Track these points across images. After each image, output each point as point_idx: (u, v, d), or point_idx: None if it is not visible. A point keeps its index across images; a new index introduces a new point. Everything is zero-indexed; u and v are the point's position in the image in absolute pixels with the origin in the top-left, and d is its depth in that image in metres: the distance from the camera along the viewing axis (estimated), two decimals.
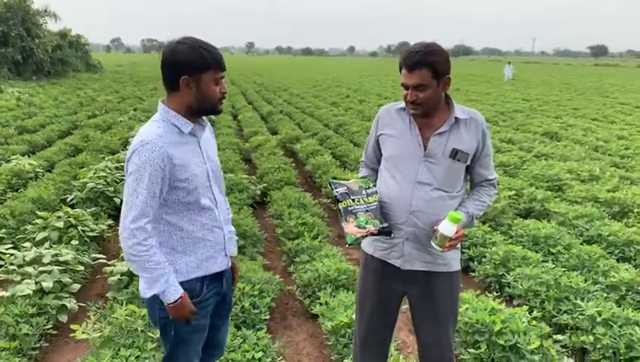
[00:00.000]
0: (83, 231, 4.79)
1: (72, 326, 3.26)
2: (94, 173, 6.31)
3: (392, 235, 2.29)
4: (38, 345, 3.38)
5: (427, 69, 2.11)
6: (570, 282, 3.86)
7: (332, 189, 2.35)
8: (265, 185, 7.06)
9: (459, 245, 2.40)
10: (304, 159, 8.75)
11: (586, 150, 9.76)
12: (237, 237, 2.43)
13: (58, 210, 5.15)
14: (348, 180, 2.42)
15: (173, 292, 1.97)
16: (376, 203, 2.31)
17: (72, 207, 5.81)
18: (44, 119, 12.58)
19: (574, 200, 6.37)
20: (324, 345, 3.56)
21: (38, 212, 5.17)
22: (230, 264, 2.29)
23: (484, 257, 4.61)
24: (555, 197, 6.47)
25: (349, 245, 2.24)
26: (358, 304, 2.62)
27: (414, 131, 2.28)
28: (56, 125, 11.77)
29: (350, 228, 2.21)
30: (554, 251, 4.67)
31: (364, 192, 2.33)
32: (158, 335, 2.82)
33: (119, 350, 3.03)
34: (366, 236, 2.22)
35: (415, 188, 2.26)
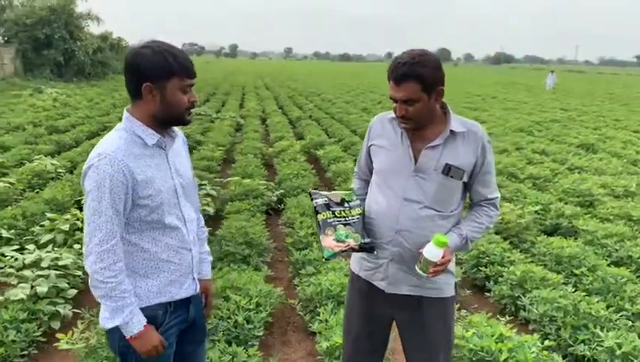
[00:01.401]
0: None
1: (57, 335, 3.16)
2: None
3: (376, 252, 2.11)
4: (25, 353, 3.30)
5: (415, 81, 1.92)
6: (590, 308, 3.56)
7: (311, 200, 2.17)
8: (282, 191, 6.92)
9: (453, 269, 2.20)
10: (326, 165, 8.58)
11: (624, 164, 9.26)
12: (211, 258, 2.23)
13: (69, 212, 5.12)
14: (330, 192, 2.24)
15: (137, 324, 1.80)
16: (358, 216, 2.14)
17: None
18: (75, 120, 12.81)
19: (605, 217, 5.98)
20: None
21: (48, 213, 5.15)
22: (200, 288, 2.08)
23: (501, 277, 4.33)
24: (585, 214, 6.11)
25: (326, 260, 2.07)
26: (344, 326, 2.45)
27: (405, 143, 2.09)
28: (86, 126, 11.95)
29: (328, 241, 2.04)
30: (577, 272, 4.35)
31: (346, 205, 2.16)
32: None
33: None
34: (345, 251, 2.05)
35: (402, 205, 2.07)
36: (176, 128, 1.96)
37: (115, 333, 1.85)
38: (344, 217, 2.12)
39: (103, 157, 1.72)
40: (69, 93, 20.00)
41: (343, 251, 2.04)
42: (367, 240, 2.09)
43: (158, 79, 1.75)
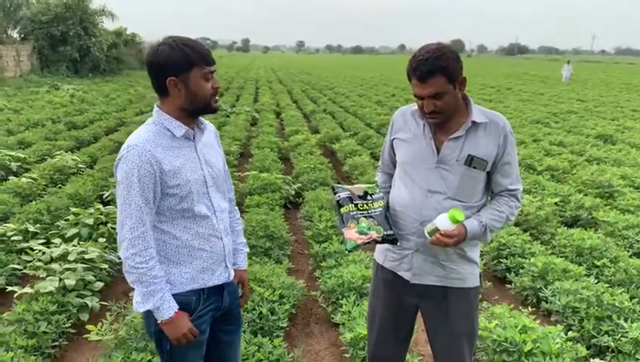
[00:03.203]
0: (112, 228, 4.81)
1: (87, 327, 3.24)
2: None
3: (399, 243, 2.14)
4: (56, 344, 3.38)
5: (440, 75, 1.94)
6: (614, 299, 3.56)
7: (334, 194, 2.21)
8: (299, 185, 6.96)
9: (477, 259, 2.22)
10: (342, 159, 8.61)
11: None
12: (247, 249, 2.31)
13: (92, 207, 5.21)
14: (352, 185, 2.28)
15: (167, 309, 1.87)
16: (381, 208, 2.17)
17: (108, 203, 5.89)
18: (93, 116, 12.94)
19: (626, 208, 5.94)
20: (344, 356, 3.42)
21: (72, 208, 5.24)
22: (235, 277, 2.16)
23: (522, 268, 4.34)
24: (605, 205, 6.07)
25: (349, 252, 2.11)
26: (368, 316, 2.48)
27: (428, 135, 2.11)
28: (103, 122, 12.09)
29: (351, 233, 2.08)
30: (599, 264, 4.34)
31: (369, 198, 2.20)
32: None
33: (131, 353, 2.98)
34: (368, 243, 2.09)
35: (426, 196, 2.10)
36: (205, 121, 2.04)
37: (150, 318, 1.94)
38: (366, 210, 2.16)
39: (131, 148, 1.80)
40: (85, 89, 20.21)
41: (365, 243, 2.08)
42: (389, 231, 2.12)
43: (180, 72, 1.82)
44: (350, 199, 2.17)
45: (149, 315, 1.94)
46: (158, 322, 1.90)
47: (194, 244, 1.95)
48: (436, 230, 2.00)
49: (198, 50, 1.83)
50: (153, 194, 1.83)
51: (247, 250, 2.31)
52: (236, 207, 2.26)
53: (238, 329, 2.29)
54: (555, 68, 45.07)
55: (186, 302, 1.95)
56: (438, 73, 1.94)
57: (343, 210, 2.14)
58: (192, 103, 1.87)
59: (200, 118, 1.99)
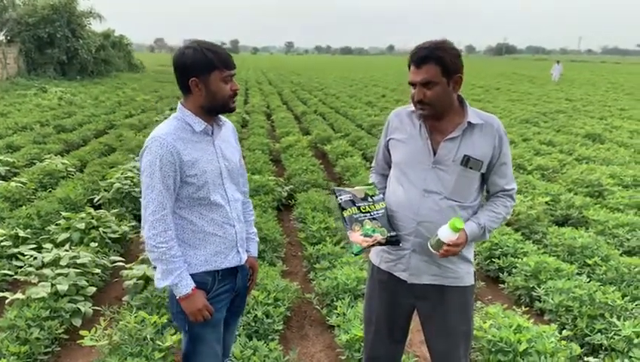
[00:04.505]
0: (104, 232, 4.78)
1: (81, 332, 3.21)
2: (121, 174, 6.33)
3: (401, 244, 2.15)
4: (49, 350, 3.35)
5: (436, 64, 1.98)
6: (606, 298, 3.59)
7: (335, 197, 2.22)
8: (291, 187, 6.95)
9: (471, 258, 2.24)
10: (334, 160, 8.61)
11: (631, 153, 9.27)
12: (257, 239, 2.46)
13: (83, 211, 5.17)
14: (353, 188, 2.28)
15: (185, 286, 2.06)
16: (383, 210, 2.18)
17: (99, 207, 5.86)
18: (82, 118, 12.82)
19: (615, 207, 6.01)
20: (340, 358, 3.41)
21: (63, 212, 5.19)
22: (248, 262, 2.33)
23: (515, 268, 4.37)
24: (595, 204, 6.13)
25: (355, 255, 2.13)
26: (364, 317, 2.49)
27: (424, 136, 2.13)
28: (93, 124, 11.99)
29: (356, 236, 2.10)
30: (590, 263, 4.38)
31: (370, 200, 2.21)
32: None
33: (126, 359, 2.96)
34: (373, 245, 2.10)
35: (423, 196, 2.11)
36: (223, 118, 2.22)
37: (173, 299, 2.15)
38: (369, 212, 2.16)
39: (154, 140, 2.00)
40: (73, 91, 20.05)
41: (370, 246, 2.09)
42: (392, 233, 2.13)
43: (201, 73, 1.99)
44: (352, 202, 2.18)
45: (172, 297, 2.13)
46: (177, 297, 2.07)
47: (208, 230, 2.13)
48: (440, 242, 2.01)
49: (220, 55, 2.00)
50: (173, 181, 2.01)
51: (258, 239, 2.47)
52: (250, 199, 2.42)
53: (240, 312, 2.48)
54: (543, 67, 45.40)
55: (202, 281, 2.13)
56: (433, 61, 1.98)
57: (345, 213, 2.15)
58: (212, 102, 2.04)
59: (219, 115, 2.16)
